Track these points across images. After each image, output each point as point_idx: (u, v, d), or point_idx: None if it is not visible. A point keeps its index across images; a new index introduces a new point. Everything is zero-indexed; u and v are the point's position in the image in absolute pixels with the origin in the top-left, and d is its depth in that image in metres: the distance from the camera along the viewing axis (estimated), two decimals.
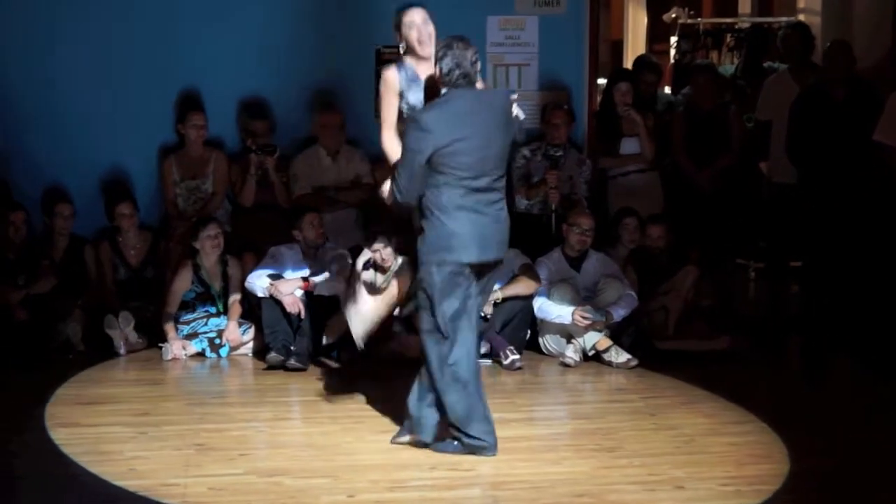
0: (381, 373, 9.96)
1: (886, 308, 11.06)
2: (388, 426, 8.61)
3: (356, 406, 9.20)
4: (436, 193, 7.90)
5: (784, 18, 15.76)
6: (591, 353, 10.74)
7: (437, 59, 7.98)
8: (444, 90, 8.01)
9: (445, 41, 8.03)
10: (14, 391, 9.66)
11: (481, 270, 8.06)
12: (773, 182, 12.05)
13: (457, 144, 7.81)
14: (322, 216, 11.17)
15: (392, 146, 8.25)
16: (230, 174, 11.90)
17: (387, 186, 8.14)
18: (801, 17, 15.35)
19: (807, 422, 9.05)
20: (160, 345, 10.84)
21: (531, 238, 11.07)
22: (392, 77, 8.31)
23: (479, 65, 8.06)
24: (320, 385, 9.93)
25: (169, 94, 12.11)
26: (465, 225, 7.88)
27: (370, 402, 9.23)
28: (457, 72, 7.93)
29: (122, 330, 10.85)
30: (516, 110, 8.15)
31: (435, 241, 7.94)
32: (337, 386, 9.83)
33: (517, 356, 10.31)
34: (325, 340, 10.64)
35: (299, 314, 10.61)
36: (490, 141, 7.94)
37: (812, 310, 11.57)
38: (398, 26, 8.37)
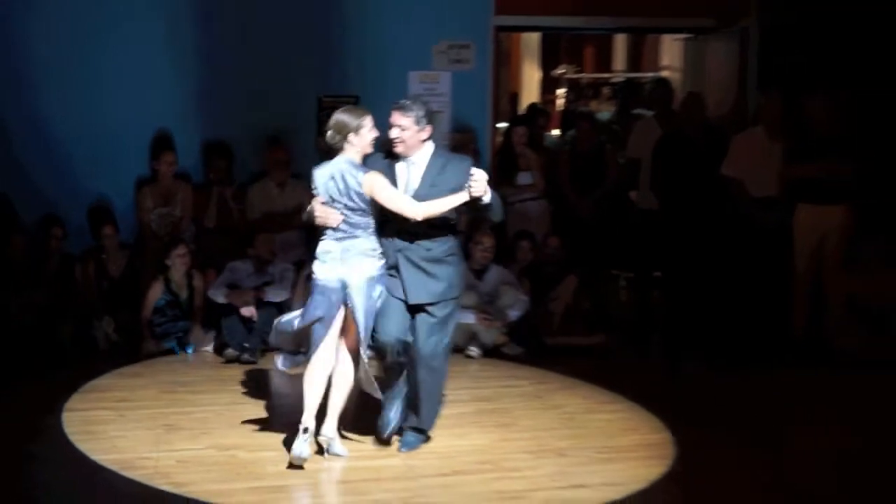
0: None
1: (731, 311, 11.09)
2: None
3: (300, 392, 9.10)
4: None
5: (650, 74, 15.91)
6: (490, 348, 10.83)
7: (408, 116, 7.45)
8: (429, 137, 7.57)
9: (399, 104, 7.52)
10: (16, 385, 9.52)
11: None
12: (640, 208, 12.08)
13: None
14: (271, 236, 11.20)
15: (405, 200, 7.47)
16: (195, 202, 11.91)
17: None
18: (665, 73, 15.44)
19: (667, 402, 9.10)
20: (137, 344, 10.82)
21: None
22: (377, 173, 7.43)
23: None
24: (269, 375, 9.98)
25: (144, 136, 12.09)
26: None
27: None
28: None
29: (105, 332, 10.85)
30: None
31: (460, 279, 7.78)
32: (283, 375, 9.81)
33: None
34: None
35: (252, 317, 10.66)
36: None
37: (671, 312, 11.60)
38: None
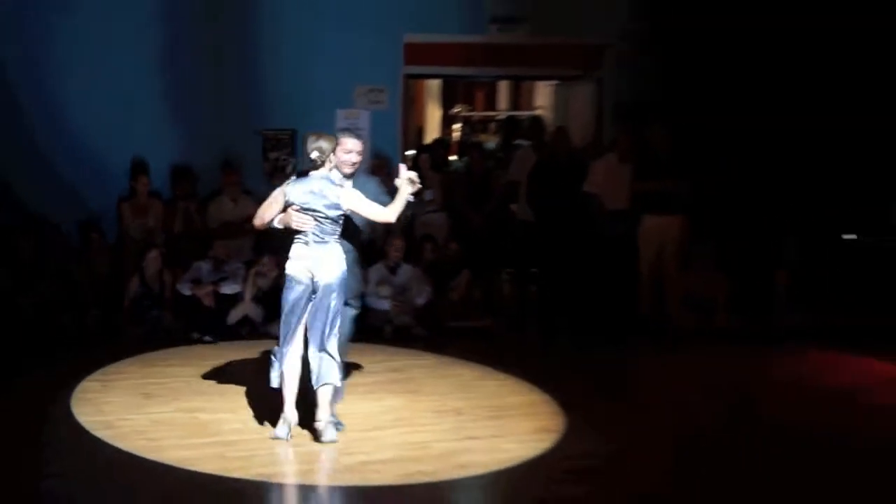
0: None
1: (592, 301, 11.15)
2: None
3: (254, 366, 9.01)
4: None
5: (527, 112, 15.93)
6: (401, 329, 10.79)
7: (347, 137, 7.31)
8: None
9: (354, 133, 7.38)
10: (31, 364, 9.36)
11: None
12: (519, 219, 12.07)
13: None
14: (227, 241, 11.15)
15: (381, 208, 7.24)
16: (165, 214, 11.79)
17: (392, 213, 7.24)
18: (539, 111, 15.53)
19: (542, 372, 9.14)
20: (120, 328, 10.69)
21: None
22: (352, 189, 7.22)
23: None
24: (227, 352, 9.85)
25: (124, 161, 11.95)
26: None
27: (263, 362, 9.06)
28: None
29: (95, 319, 10.69)
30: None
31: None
32: (238, 352, 9.80)
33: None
34: (228, 321, 10.64)
35: (211, 306, 10.62)
36: None
37: (544, 301, 11.60)
38: (337, 144, 7.20)
